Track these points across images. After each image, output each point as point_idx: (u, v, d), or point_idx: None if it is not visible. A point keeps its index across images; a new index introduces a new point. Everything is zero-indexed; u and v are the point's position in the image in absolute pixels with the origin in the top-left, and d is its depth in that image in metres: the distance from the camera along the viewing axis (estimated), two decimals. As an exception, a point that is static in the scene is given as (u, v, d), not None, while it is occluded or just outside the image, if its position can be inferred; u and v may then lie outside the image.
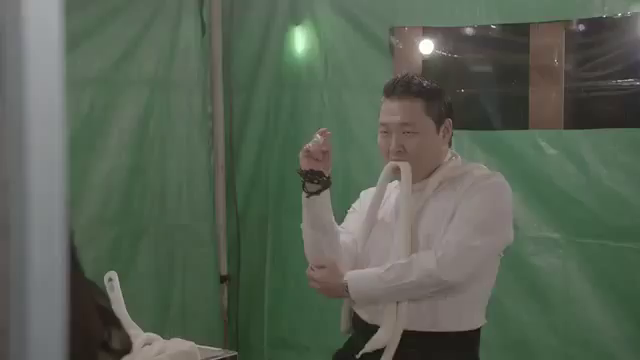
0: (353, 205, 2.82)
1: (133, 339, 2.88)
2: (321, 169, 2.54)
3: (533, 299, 3.60)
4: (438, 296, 2.48)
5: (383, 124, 2.61)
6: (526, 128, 3.70)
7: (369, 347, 2.53)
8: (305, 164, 2.53)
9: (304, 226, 2.66)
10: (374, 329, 2.52)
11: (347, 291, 2.57)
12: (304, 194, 2.57)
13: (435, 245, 2.47)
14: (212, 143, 4.49)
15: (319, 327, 4.09)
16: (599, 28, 3.65)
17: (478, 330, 2.60)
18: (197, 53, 4.35)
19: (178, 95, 4.31)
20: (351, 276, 2.57)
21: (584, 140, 3.51)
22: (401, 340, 2.49)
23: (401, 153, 2.56)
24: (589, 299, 3.46)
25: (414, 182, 2.56)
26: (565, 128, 3.63)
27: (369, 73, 3.98)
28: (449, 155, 2.66)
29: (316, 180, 2.54)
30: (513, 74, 3.96)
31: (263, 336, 4.40)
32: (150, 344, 3.09)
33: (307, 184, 2.55)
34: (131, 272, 4.10)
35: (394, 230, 2.57)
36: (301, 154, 2.55)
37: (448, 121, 2.62)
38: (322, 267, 2.63)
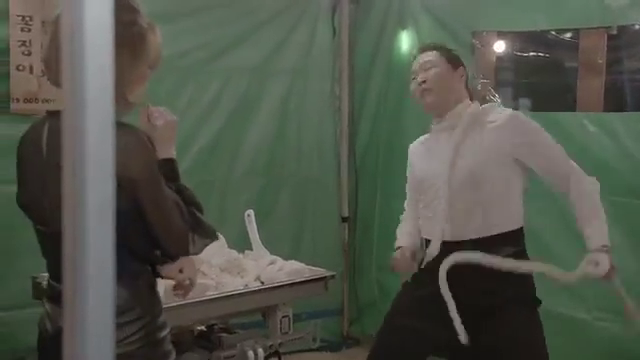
0: None
1: (261, 259, 3.38)
2: None
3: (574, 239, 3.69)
4: None
5: (413, 72, 2.98)
6: (574, 110, 3.98)
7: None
8: None
9: None
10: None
11: None
12: None
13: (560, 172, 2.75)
14: (339, 117, 4.96)
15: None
16: (633, 33, 3.91)
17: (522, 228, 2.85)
18: (328, 50, 4.85)
19: (313, 81, 4.82)
20: None
21: (619, 121, 3.78)
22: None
23: (424, 83, 2.88)
24: (617, 240, 3.45)
25: (442, 116, 2.89)
26: (604, 111, 3.89)
27: (456, 66, 4.34)
28: (467, 100, 2.91)
29: None
30: (566, 68, 4.21)
31: (372, 262, 4.84)
32: (274, 263, 3.59)
33: None
34: (274, 213, 4.58)
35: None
36: None
37: (462, 67, 2.96)
38: None
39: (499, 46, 4.29)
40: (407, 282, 3.03)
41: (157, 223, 1.80)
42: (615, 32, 3.91)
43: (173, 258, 1.95)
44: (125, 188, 1.68)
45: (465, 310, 2.67)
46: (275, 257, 3.66)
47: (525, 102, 4.37)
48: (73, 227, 0.73)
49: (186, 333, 3.31)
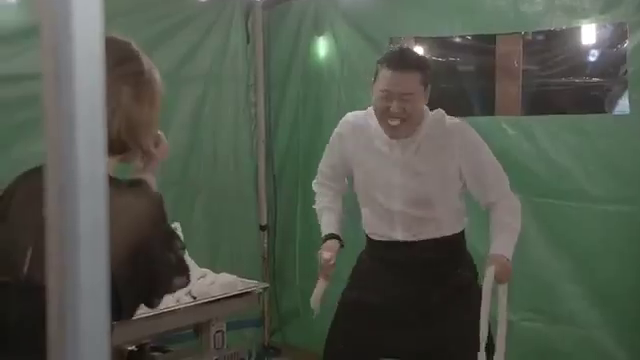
0: None
1: (191, 273, 3.28)
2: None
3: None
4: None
5: (386, 90, 2.75)
6: (492, 114, 4.11)
7: None
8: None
9: None
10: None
11: None
12: None
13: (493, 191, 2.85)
14: (255, 123, 4.95)
15: (336, 265, 4.36)
16: (549, 38, 4.08)
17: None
18: (243, 56, 4.84)
19: (227, 88, 4.79)
20: None
21: (536, 123, 3.91)
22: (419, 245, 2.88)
23: (400, 114, 2.75)
24: (536, 240, 3.84)
25: (406, 137, 2.83)
26: (522, 114, 4.04)
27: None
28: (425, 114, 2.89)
29: None
30: (483, 73, 4.33)
31: (295, 272, 4.84)
32: (204, 277, 3.59)
33: None
34: (190, 223, 4.45)
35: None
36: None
37: (429, 86, 2.85)
38: None
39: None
40: (351, 282, 3.07)
41: (149, 276, 1.73)
42: (530, 37, 4.07)
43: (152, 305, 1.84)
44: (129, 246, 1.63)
45: (412, 309, 2.86)
46: (205, 270, 3.66)
47: (445, 107, 4.28)
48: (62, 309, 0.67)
49: (116, 354, 3.22)
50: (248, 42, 4.85)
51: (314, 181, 3.18)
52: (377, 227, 2.99)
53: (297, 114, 4.87)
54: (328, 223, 3.03)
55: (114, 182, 1.66)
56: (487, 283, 2.70)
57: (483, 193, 2.91)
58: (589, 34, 3.91)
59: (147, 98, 1.74)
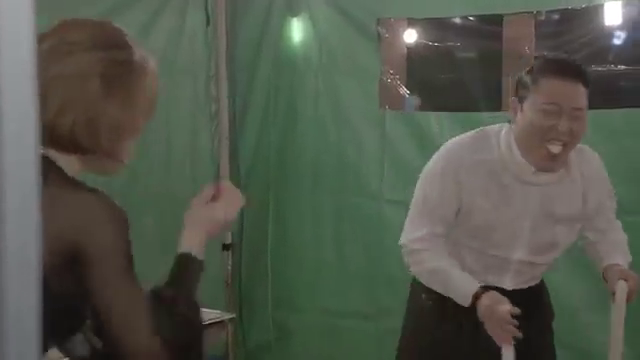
0: None
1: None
2: None
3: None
4: None
5: (554, 103, 2.43)
6: (499, 110, 3.77)
7: None
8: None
9: None
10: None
11: None
12: None
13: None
14: (217, 122, 4.59)
15: (317, 289, 4.26)
16: (565, 19, 3.82)
17: None
18: (202, 41, 4.49)
19: (183, 80, 4.42)
20: None
21: None
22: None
23: (566, 134, 2.44)
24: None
25: (556, 171, 2.55)
26: None
27: (358, 59, 4.13)
28: None
29: None
30: (488, 61, 4.09)
31: (267, 299, 4.50)
32: None
33: None
34: (136, 242, 4.04)
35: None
36: None
37: None
38: None
39: (410, 35, 4.11)
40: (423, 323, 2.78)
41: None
42: (543, 18, 3.86)
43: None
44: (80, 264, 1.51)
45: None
46: (159, 298, 3.18)
47: (444, 101, 4.17)
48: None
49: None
50: (208, 24, 4.47)
51: (410, 237, 2.69)
52: (475, 271, 2.64)
53: (267, 108, 4.52)
54: (466, 278, 2.59)
55: (70, 182, 1.59)
56: (621, 299, 2.46)
57: (600, 230, 2.74)
58: (614, 13, 3.64)
59: (121, 94, 1.59)
